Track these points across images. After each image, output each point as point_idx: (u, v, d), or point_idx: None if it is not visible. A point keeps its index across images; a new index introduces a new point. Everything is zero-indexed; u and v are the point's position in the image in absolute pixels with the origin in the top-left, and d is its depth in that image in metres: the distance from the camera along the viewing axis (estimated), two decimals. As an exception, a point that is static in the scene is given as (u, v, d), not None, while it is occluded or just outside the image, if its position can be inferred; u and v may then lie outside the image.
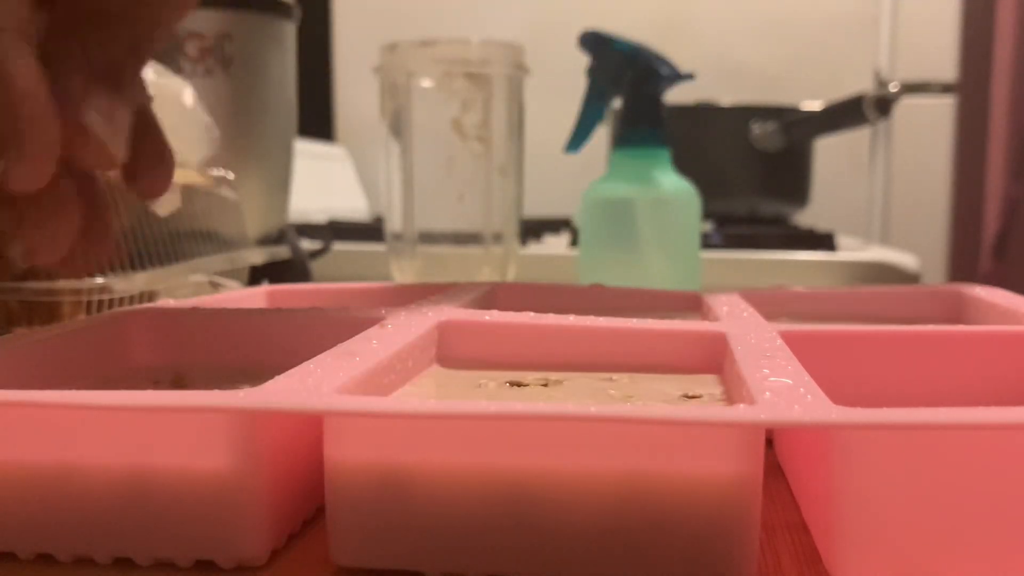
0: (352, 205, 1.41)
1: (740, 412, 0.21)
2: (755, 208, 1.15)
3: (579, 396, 0.28)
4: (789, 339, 0.30)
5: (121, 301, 0.43)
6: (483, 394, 0.28)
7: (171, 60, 0.64)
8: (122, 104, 0.25)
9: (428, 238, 0.68)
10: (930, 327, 0.33)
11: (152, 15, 0.26)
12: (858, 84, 1.52)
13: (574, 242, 0.92)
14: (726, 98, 1.22)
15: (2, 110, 0.23)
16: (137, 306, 0.38)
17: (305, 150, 1.04)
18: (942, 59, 1.73)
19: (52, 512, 0.23)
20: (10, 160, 0.24)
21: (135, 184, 0.28)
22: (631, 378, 0.30)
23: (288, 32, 0.70)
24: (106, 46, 0.25)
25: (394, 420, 0.22)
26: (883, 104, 1.05)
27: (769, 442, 0.32)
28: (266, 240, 0.70)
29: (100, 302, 0.42)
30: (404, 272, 0.69)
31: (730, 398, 0.27)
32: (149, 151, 0.28)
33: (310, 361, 0.26)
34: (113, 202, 0.44)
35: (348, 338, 0.29)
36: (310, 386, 0.23)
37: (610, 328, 0.32)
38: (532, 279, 0.63)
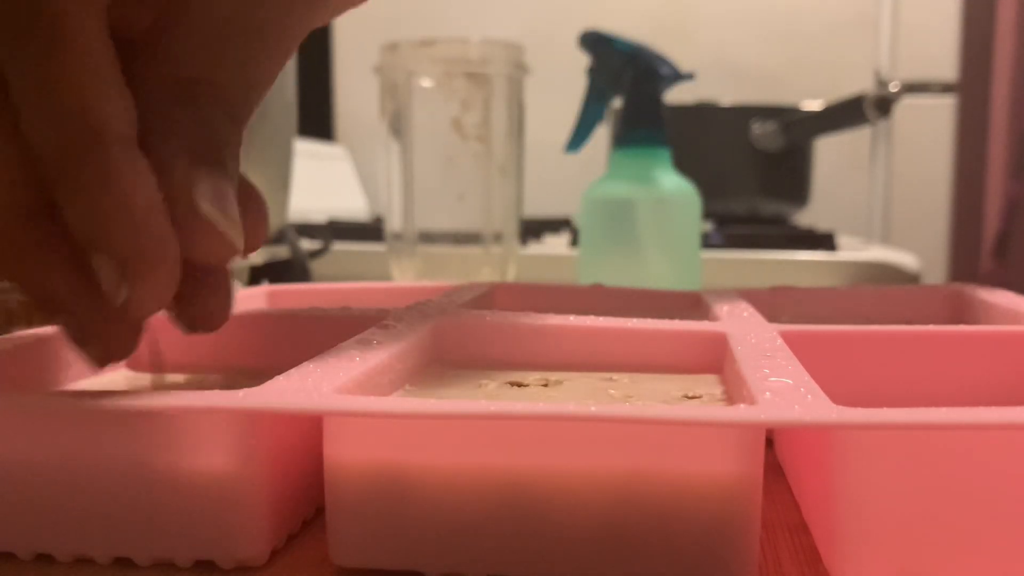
0: (352, 205, 1.41)
1: (740, 412, 0.21)
2: (755, 208, 1.15)
3: (579, 396, 0.28)
4: (789, 339, 0.30)
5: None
6: (483, 394, 0.28)
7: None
8: (227, 182, 0.23)
9: (428, 238, 0.68)
10: (930, 327, 0.33)
11: (245, 77, 0.24)
12: (858, 84, 1.52)
13: (574, 242, 0.92)
14: (726, 98, 1.22)
15: (119, 230, 0.22)
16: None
17: (305, 150, 1.04)
18: (942, 59, 1.73)
19: (52, 512, 0.23)
20: (134, 286, 0.22)
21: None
22: (631, 378, 0.30)
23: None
24: (203, 117, 0.23)
25: (394, 420, 0.22)
26: (883, 104, 1.05)
27: (769, 442, 0.32)
28: (266, 240, 0.70)
29: (100, 302, 0.42)
30: (404, 272, 0.69)
31: (730, 398, 0.27)
32: (252, 218, 0.25)
33: (310, 361, 0.26)
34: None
35: (348, 338, 0.29)
36: (310, 386, 0.23)
37: (610, 328, 0.32)
38: (532, 279, 0.63)
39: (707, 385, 0.29)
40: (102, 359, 0.24)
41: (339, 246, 0.84)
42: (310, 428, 0.25)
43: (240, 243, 0.23)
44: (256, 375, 0.32)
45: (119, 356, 0.24)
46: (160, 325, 0.35)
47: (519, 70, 0.67)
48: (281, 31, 0.25)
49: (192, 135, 0.23)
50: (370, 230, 0.96)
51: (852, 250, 0.95)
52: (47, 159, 0.22)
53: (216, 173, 0.23)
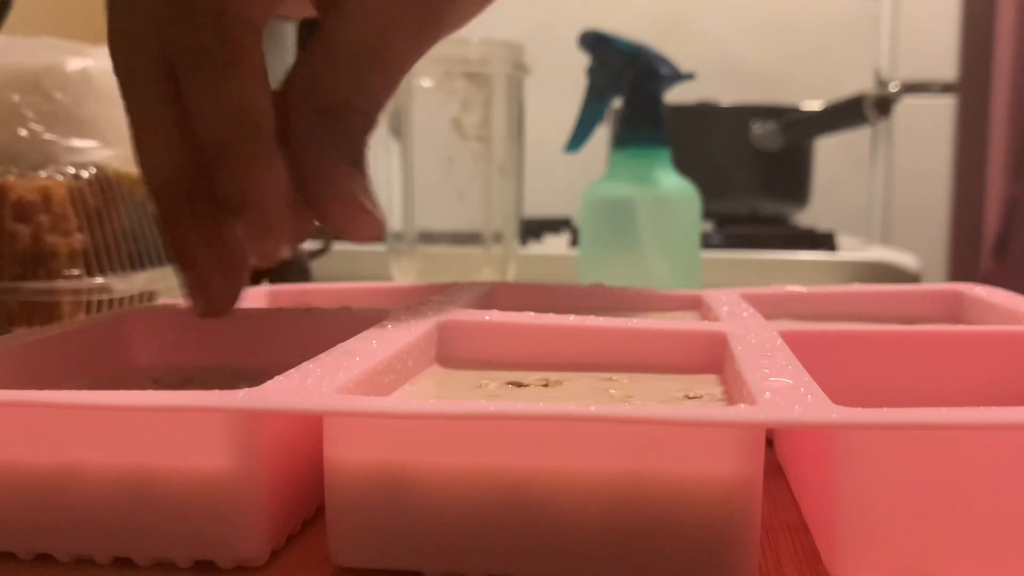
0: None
1: (740, 412, 0.21)
2: (755, 208, 1.15)
3: (579, 396, 0.28)
4: (789, 339, 0.30)
5: (121, 301, 0.43)
6: (483, 394, 0.28)
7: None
8: (368, 181, 0.31)
9: (428, 238, 0.68)
10: (930, 327, 0.33)
11: (378, 100, 0.31)
12: (858, 84, 1.52)
13: (574, 242, 0.92)
14: (726, 98, 1.22)
15: (261, 201, 0.29)
16: (137, 306, 0.38)
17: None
18: (942, 59, 1.73)
19: (52, 512, 0.23)
20: (263, 242, 0.30)
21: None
22: (631, 378, 0.30)
23: (288, 32, 0.70)
24: (349, 131, 0.31)
25: (394, 420, 0.22)
26: (883, 104, 1.05)
27: (769, 442, 0.32)
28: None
29: (100, 302, 0.42)
30: (404, 272, 0.69)
31: (730, 398, 0.27)
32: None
33: (310, 361, 0.26)
34: (112, 201, 0.45)
35: (348, 338, 0.29)
36: (310, 386, 0.23)
37: (610, 328, 0.32)
38: (532, 279, 0.63)
39: (707, 385, 0.29)
40: (206, 311, 0.31)
41: (339, 246, 0.84)
42: (310, 428, 0.25)
43: (384, 226, 0.31)
44: (256, 375, 0.32)
45: (219, 311, 0.31)
46: (160, 325, 0.35)
47: (519, 70, 0.67)
48: (406, 63, 0.31)
49: (344, 147, 0.30)
50: (370, 230, 0.96)
51: (852, 250, 0.95)
52: (211, 147, 0.29)
53: (363, 175, 0.31)
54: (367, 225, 0.31)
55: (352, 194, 0.30)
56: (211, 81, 0.28)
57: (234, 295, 0.32)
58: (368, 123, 0.31)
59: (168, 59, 0.29)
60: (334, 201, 0.30)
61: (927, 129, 1.73)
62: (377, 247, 0.80)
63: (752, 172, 1.13)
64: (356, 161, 0.30)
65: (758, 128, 1.12)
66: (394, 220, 0.69)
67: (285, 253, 0.32)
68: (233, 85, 0.28)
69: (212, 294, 0.31)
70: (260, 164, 0.29)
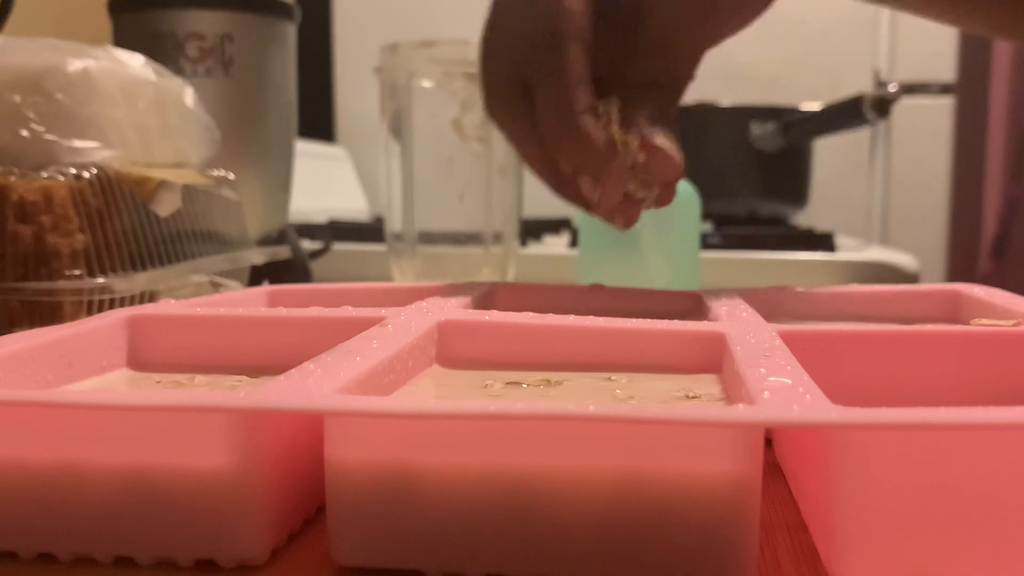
0: (352, 205, 1.41)
1: (739, 412, 0.21)
2: (755, 208, 1.15)
3: (580, 396, 0.28)
4: (788, 339, 0.30)
5: (122, 301, 0.43)
6: (484, 394, 0.28)
7: (172, 61, 0.64)
8: (672, 134, 0.40)
9: (428, 238, 0.68)
10: (930, 327, 0.33)
11: (683, 81, 0.42)
12: (857, 85, 1.52)
13: (574, 242, 0.92)
14: (726, 98, 1.22)
15: (594, 166, 0.39)
16: (138, 306, 0.38)
17: (305, 150, 1.04)
18: (941, 60, 1.73)
19: (53, 511, 0.24)
20: (601, 191, 0.40)
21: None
22: (631, 378, 0.30)
23: (288, 33, 0.70)
24: (659, 103, 0.41)
25: (394, 420, 0.22)
26: (882, 105, 1.05)
27: (768, 442, 0.32)
28: (266, 240, 0.71)
29: (101, 302, 0.42)
30: (404, 272, 0.69)
31: (729, 398, 0.27)
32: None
33: (310, 361, 0.26)
34: (114, 202, 0.45)
35: (348, 338, 0.29)
36: (310, 386, 0.23)
37: (610, 328, 0.32)
38: (532, 279, 0.63)
39: (706, 385, 0.29)
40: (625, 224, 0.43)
41: (339, 246, 0.84)
42: (311, 428, 0.25)
43: (682, 165, 0.40)
44: (256, 375, 0.32)
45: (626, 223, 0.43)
46: (161, 325, 0.35)
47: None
48: (701, 52, 0.42)
49: (652, 113, 0.40)
50: (370, 230, 0.96)
51: (851, 250, 0.95)
52: (551, 121, 0.39)
53: (666, 130, 0.40)
54: (664, 162, 0.40)
55: (652, 141, 0.39)
56: (550, 76, 0.39)
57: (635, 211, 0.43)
58: (672, 95, 0.42)
59: (520, 74, 0.40)
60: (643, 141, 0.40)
61: (926, 130, 1.73)
62: (377, 247, 0.80)
63: (751, 173, 1.14)
64: (660, 121, 0.40)
65: (757, 129, 1.12)
66: (394, 220, 0.69)
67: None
68: (566, 76, 0.39)
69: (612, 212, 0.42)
70: (590, 133, 0.38)
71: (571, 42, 0.39)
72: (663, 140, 0.39)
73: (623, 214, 0.42)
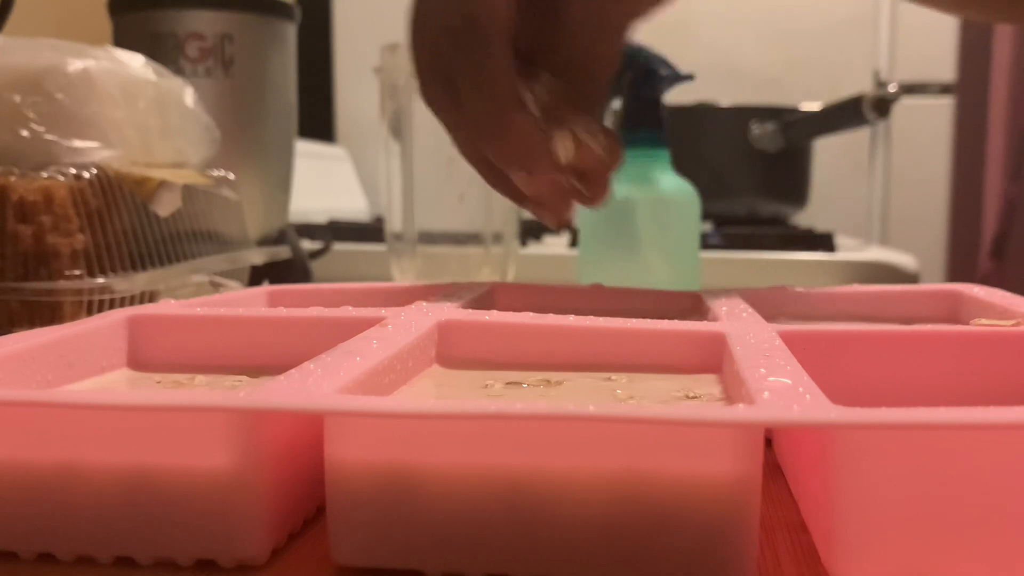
0: (352, 205, 1.41)
1: (739, 412, 0.21)
2: (754, 208, 1.15)
3: (580, 396, 0.28)
4: (788, 339, 0.30)
5: (122, 301, 0.43)
6: (484, 394, 0.28)
7: (172, 61, 0.64)
8: (598, 124, 0.38)
9: (428, 238, 0.68)
10: (930, 327, 0.33)
11: (609, 66, 0.41)
12: (857, 85, 1.52)
13: (574, 242, 0.92)
14: (725, 99, 1.22)
15: (514, 148, 0.37)
16: (138, 306, 0.38)
17: (305, 150, 1.04)
18: (941, 60, 1.73)
19: (53, 512, 0.24)
20: (528, 186, 0.39)
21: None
22: (630, 378, 0.30)
23: (288, 33, 0.70)
24: (583, 89, 0.39)
25: (394, 420, 0.22)
26: (882, 105, 1.05)
27: (768, 442, 0.32)
28: (266, 240, 0.71)
29: (101, 302, 0.42)
30: (404, 272, 0.69)
31: (729, 398, 0.27)
32: (610, 147, 0.39)
33: (310, 361, 0.26)
34: (114, 202, 0.45)
35: (348, 338, 0.29)
36: (310, 386, 0.23)
37: (610, 328, 0.32)
38: (532, 279, 0.63)
39: (706, 385, 0.29)
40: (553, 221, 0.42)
41: (339, 246, 0.84)
42: (311, 428, 0.25)
43: (604, 159, 0.38)
44: (256, 375, 0.32)
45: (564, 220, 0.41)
46: (161, 325, 0.35)
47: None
48: (623, 32, 0.41)
49: (578, 102, 0.38)
50: (370, 230, 0.96)
51: (851, 250, 0.95)
52: (480, 115, 0.38)
53: (593, 120, 0.38)
54: (585, 156, 0.38)
55: (573, 132, 0.37)
56: (474, 69, 0.37)
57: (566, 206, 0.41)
58: (596, 79, 0.40)
59: (448, 67, 0.38)
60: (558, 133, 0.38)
61: (926, 130, 1.74)
62: (377, 247, 0.80)
63: (751, 173, 1.14)
64: (585, 106, 0.39)
65: (757, 129, 1.12)
66: (394, 220, 0.69)
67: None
68: (490, 68, 0.37)
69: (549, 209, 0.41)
70: (520, 127, 0.37)
71: (494, 32, 0.37)
72: (587, 132, 0.38)
73: (554, 211, 0.41)
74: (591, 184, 0.39)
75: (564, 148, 0.37)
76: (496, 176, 0.41)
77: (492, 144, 0.38)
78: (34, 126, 0.44)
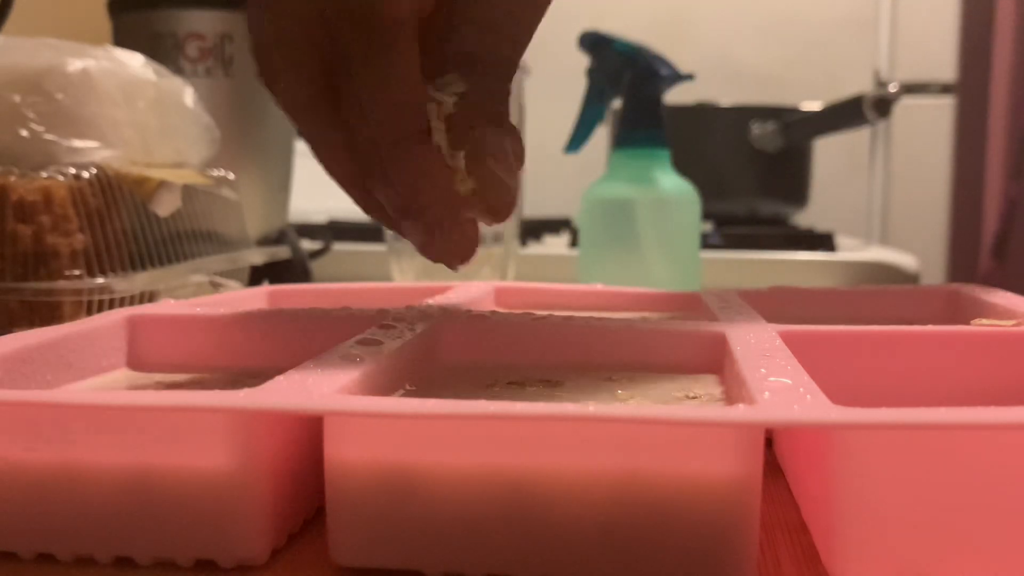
0: (352, 205, 1.41)
1: (740, 412, 0.21)
2: (754, 208, 1.15)
3: (580, 396, 0.28)
4: (788, 339, 0.30)
5: (122, 301, 0.43)
6: (484, 394, 0.28)
7: (172, 61, 0.64)
8: (509, 135, 0.30)
9: (428, 238, 0.68)
10: (930, 327, 0.33)
11: (520, 45, 0.32)
12: (857, 84, 1.52)
13: (574, 242, 0.92)
14: (726, 98, 1.22)
15: (426, 204, 0.29)
16: (138, 306, 0.38)
17: (305, 150, 1.04)
18: (941, 59, 1.73)
19: (53, 512, 0.23)
20: (438, 242, 0.31)
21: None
22: (630, 378, 0.30)
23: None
24: (487, 87, 0.30)
25: (394, 420, 0.22)
26: (882, 104, 1.05)
27: (769, 442, 0.32)
28: (266, 240, 0.71)
29: (100, 302, 0.42)
30: (404, 272, 0.69)
31: (729, 398, 0.27)
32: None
33: (310, 361, 0.26)
34: (113, 202, 0.45)
35: (348, 338, 0.29)
36: (310, 386, 0.23)
37: (610, 328, 0.32)
38: (532, 279, 0.63)
39: (706, 385, 0.29)
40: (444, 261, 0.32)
41: (339, 246, 0.84)
42: (310, 428, 0.25)
43: (512, 178, 0.30)
44: (256, 375, 0.32)
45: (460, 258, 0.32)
46: (161, 325, 0.35)
47: (519, 70, 0.67)
48: (530, 24, 0.32)
49: (485, 108, 0.30)
50: (370, 230, 0.96)
51: (851, 250, 0.95)
52: (370, 146, 0.29)
53: (502, 131, 0.30)
54: (495, 193, 0.30)
55: (483, 158, 0.30)
56: (369, 84, 0.29)
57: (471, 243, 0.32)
58: (504, 71, 0.31)
59: (326, 67, 0.30)
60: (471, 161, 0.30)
61: (926, 130, 1.74)
62: (377, 247, 0.80)
63: (751, 173, 1.14)
64: (494, 120, 0.30)
65: (757, 129, 1.12)
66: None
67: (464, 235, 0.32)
68: (394, 83, 0.29)
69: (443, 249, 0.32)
70: (423, 165, 0.29)
71: (402, 30, 0.28)
72: (496, 149, 0.29)
73: (459, 254, 0.32)
74: (495, 211, 0.31)
75: (465, 184, 0.30)
76: (373, 205, 0.33)
77: (382, 187, 0.30)
78: (34, 126, 0.44)
